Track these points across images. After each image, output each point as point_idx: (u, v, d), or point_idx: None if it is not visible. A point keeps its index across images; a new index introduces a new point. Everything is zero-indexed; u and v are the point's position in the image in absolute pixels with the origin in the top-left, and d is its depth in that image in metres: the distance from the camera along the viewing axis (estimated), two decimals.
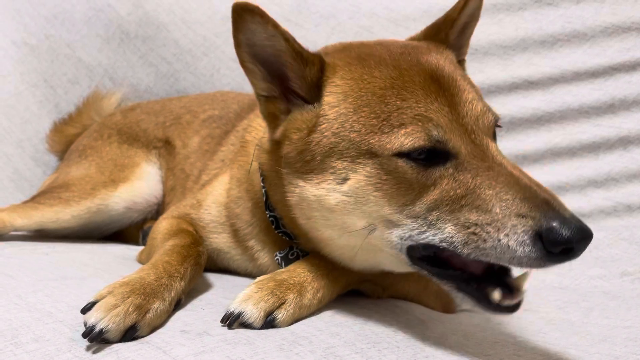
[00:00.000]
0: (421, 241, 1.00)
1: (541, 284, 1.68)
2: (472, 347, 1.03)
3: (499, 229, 0.92)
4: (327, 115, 1.06)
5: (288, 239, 1.24)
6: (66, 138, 2.22)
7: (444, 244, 0.97)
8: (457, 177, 0.98)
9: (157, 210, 1.89)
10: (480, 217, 0.94)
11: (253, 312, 0.99)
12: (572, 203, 2.07)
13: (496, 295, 0.98)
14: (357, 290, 1.27)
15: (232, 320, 0.98)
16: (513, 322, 1.28)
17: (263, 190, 1.23)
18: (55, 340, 0.90)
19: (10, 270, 1.22)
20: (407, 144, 0.98)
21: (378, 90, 1.04)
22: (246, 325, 0.99)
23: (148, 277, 1.02)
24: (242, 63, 1.11)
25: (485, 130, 1.04)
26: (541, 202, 0.92)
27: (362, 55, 1.11)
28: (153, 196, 1.88)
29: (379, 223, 1.04)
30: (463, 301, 1.03)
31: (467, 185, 0.97)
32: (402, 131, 0.99)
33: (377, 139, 1.01)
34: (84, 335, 0.89)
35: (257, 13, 1.04)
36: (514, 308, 0.99)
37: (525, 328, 1.23)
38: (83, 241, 1.75)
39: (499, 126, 1.13)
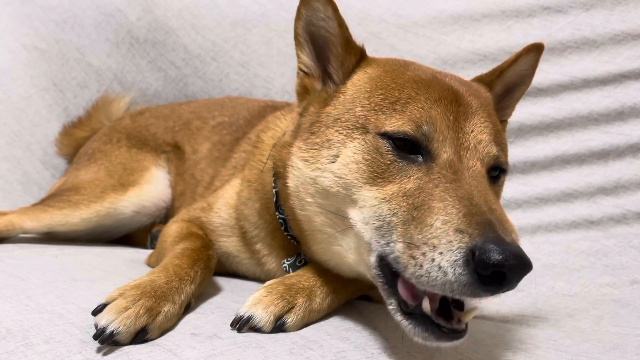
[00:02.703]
0: (385, 248, 0.96)
1: (550, 292, 1.67)
2: (482, 354, 1.03)
3: (434, 247, 0.86)
4: (346, 92, 1.11)
5: (296, 242, 1.24)
6: (75, 141, 2.23)
7: (393, 263, 0.93)
8: (422, 183, 0.95)
9: (166, 215, 1.90)
10: (420, 236, 0.89)
11: (263, 316, 0.99)
12: (582, 210, 2.06)
13: (425, 303, 0.91)
14: (366, 296, 1.27)
15: (242, 324, 0.98)
16: (523, 329, 1.27)
17: (274, 190, 1.23)
18: (66, 341, 0.90)
19: (20, 272, 1.23)
20: (394, 126, 0.99)
21: (401, 80, 1.07)
22: (256, 329, 0.99)
23: (159, 280, 1.02)
24: (296, 36, 1.18)
25: (481, 157, 1.02)
26: (484, 221, 0.86)
27: (406, 62, 1.17)
28: (162, 200, 1.89)
29: (358, 217, 1.00)
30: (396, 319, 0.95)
31: (425, 194, 0.93)
32: (398, 116, 1.00)
33: (375, 117, 1.03)
34: (95, 337, 0.89)
35: None
36: (446, 334, 0.91)
37: (536, 335, 1.23)
38: (91, 244, 1.76)
39: (504, 170, 1.10)
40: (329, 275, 1.15)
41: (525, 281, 1.71)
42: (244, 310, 1.00)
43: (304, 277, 1.12)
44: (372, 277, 1.01)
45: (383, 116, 1.02)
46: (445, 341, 0.91)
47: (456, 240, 0.85)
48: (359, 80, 1.12)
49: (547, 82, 2.17)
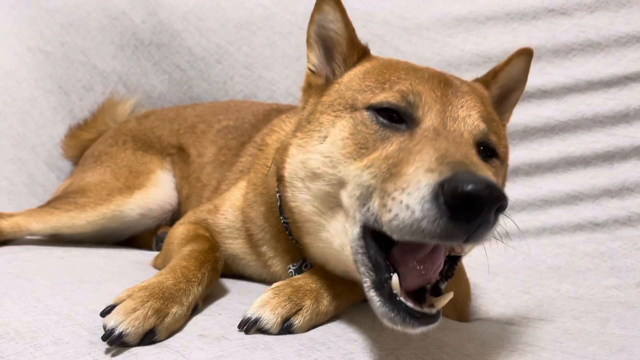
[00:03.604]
0: (369, 217, 0.93)
1: (556, 294, 1.67)
2: (489, 356, 1.03)
3: (403, 190, 0.84)
4: (342, 81, 1.17)
5: (300, 246, 1.24)
6: (81, 143, 2.24)
7: (375, 224, 0.90)
8: (403, 145, 0.94)
9: (172, 217, 1.90)
10: (394, 185, 0.86)
11: (270, 318, 0.99)
12: (587, 212, 2.06)
13: (394, 280, 0.87)
14: None
15: (250, 326, 0.98)
16: (529, 332, 1.27)
17: (277, 195, 1.24)
18: (75, 343, 0.90)
19: (27, 274, 1.23)
20: (380, 98, 1.03)
21: (392, 67, 1.12)
22: (263, 331, 0.99)
23: (167, 281, 1.02)
24: (308, 39, 1.26)
25: (469, 129, 1.01)
26: (456, 160, 0.83)
27: (402, 59, 1.23)
28: (167, 203, 1.89)
29: (344, 194, 1.00)
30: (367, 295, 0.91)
31: (404, 152, 0.91)
32: (387, 92, 1.04)
33: (363, 96, 1.07)
34: (103, 338, 0.89)
35: None
36: (414, 317, 0.86)
37: (542, 337, 1.23)
38: (98, 246, 1.76)
39: (496, 153, 1.08)
40: (336, 278, 1.15)
41: (531, 283, 1.72)
42: (252, 312, 1.00)
43: (311, 279, 1.12)
44: (352, 253, 0.97)
45: (371, 94, 1.06)
46: (415, 326, 0.87)
47: (425, 179, 0.82)
48: (355, 70, 1.18)
49: (551, 84, 2.17)
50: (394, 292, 0.88)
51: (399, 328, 0.88)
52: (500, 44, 2.22)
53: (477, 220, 0.80)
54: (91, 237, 1.78)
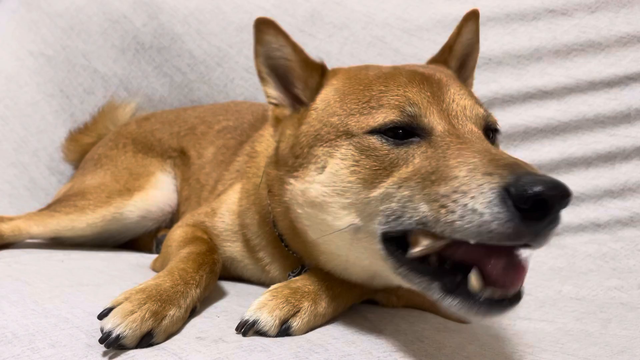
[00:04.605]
0: (399, 227, 0.94)
1: (558, 295, 1.66)
2: (489, 357, 1.02)
3: (465, 193, 0.84)
4: (317, 107, 1.13)
5: (296, 255, 1.24)
6: (81, 147, 2.24)
7: (420, 226, 0.91)
8: (430, 154, 0.94)
9: (172, 219, 1.90)
10: (447, 187, 0.87)
11: (268, 320, 0.99)
12: (588, 213, 2.05)
13: (473, 280, 0.86)
14: (372, 300, 1.27)
15: (247, 328, 0.98)
16: (530, 333, 1.26)
17: (269, 207, 1.24)
18: (72, 345, 0.90)
19: (26, 277, 1.23)
20: (380, 119, 1.00)
21: (366, 80, 1.09)
22: (261, 333, 0.98)
23: (164, 283, 1.02)
24: (259, 73, 1.22)
25: (472, 120, 1.02)
26: (511, 162, 0.85)
27: (365, 65, 1.20)
28: (167, 205, 1.89)
29: (359, 218, 1.00)
30: (444, 302, 0.90)
31: (438, 160, 0.91)
32: (380, 111, 1.01)
33: (355, 120, 1.03)
34: (101, 341, 0.89)
35: (271, 25, 1.18)
36: (502, 305, 0.86)
37: (543, 339, 1.22)
38: (97, 249, 1.76)
39: (496, 129, 1.11)
40: (334, 279, 1.14)
41: (532, 285, 1.71)
42: (249, 314, 1.00)
43: (309, 281, 1.12)
44: (395, 274, 0.98)
45: (362, 117, 1.02)
46: (501, 311, 0.87)
47: (487, 182, 0.83)
48: (327, 93, 1.13)
49: (552, 85, 2.16)
50: (480, 295, 0.86)
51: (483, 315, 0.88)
52: (501, 45, 2.21)
53: (547, 219, 0.81)
54: (91, 239, 1.78)
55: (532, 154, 2.13)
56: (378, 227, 0.98)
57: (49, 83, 2.42)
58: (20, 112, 2.35)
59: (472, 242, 0.85)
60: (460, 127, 0.99)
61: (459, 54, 1.33)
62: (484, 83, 2.16)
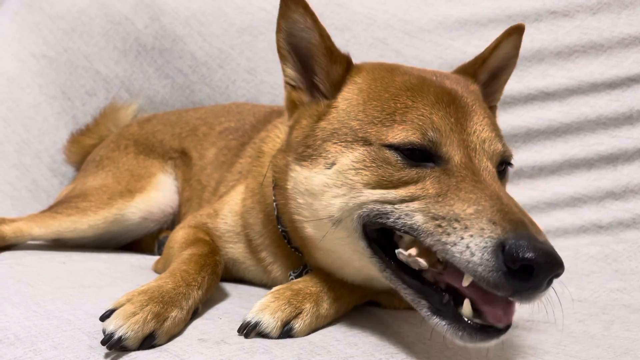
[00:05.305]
0: (381, 223, 0.98)
1: (560, 297, 1.66)
2: (492, 359, 1.02)
3: (466, 227, 0.87)
4: (338, 106, 1.11)
5: (299, 253, 1.24)
6: (83, 149, 2.24)
7: (406, 229, 0.94)
8: (442, 179, 0.96)
9: (173, 221, 1.90)
10: (451, 213, 0.90)
11: (270, 321, 0.99)
12: (590, 215, 2.05)
13: (465, 307, 0.90)
14: (374, 302, 1.26)
15: (249, 330, 0.98)
16: (532, 335, 1.26)
17: (274, 204, 1.24)
18: (74, 347, 0.90)
19: (28, 279, 1.23)
20: (400, 137, 0.99)
21: (393, 89, 1.06)
22: (263, 335, 0.99)
23: (166, 285, 1.02)
24: (279, 49, 1.18)
25: (489, 155, 1.02)
26: (518, 219, 0.87)
27: (391, 66, 1.17)
28: (169, 206, 1.89)
29: (342, 213, 1.02)
30: (430, 321, 0.93)
31: (449, 186, 0.93)
32: (401, 127, 1.00)
33: (375, 129, 1.02)
34: (103, 342, 0.89)
35: (300, 3, 1.11)
36: (489, 333, 0.89)
37: (545, 340, 1.22)
38: (99, 250, 1.76)
39: (510, 164, 1.11)
40: (335, 281, 1.14)
41: None
42: (251, 316, 1.00)
43: (311, 283, 1.12)
44: (387, 280, 1.02)
45: (384, 128, 1.01)
46: (486, 340, 0.89)
47: (489, 230, 0.86)
48: (350, 92, 1.12)
49: (554, 86, 2.16)
50: (470, 321, 0.89)
51: (469, 345, 0.90)
52: None
53: (530, 282, 0.83)
54: (93, 241, 1.78)
55: (534, 156, 2.13)
56: (358, 220, 1.01)
57: (50, 85, 2.42)
58: (22, 114, 2.35)
59: (456, 267, 0.88)
60: (476, 161, 0.99)
61: (492, 68, 1.30)
62: None
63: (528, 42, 2.20)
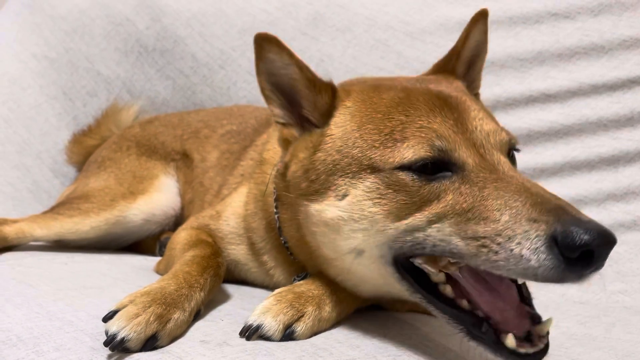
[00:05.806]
0: (416, 251, 0.97)
1: (561, 299, 1.66)
2: None
3: (509, 238, 0.85)
4: (332, 134, 1.08)
5: (299, 262, 1.25)
6: (85, 150, 2.24)
7: (446, 254, 0.93)
8: (463, 190, 0.94)
9: (175, 222, 1.90)
10: (488, 229, 0.88)
11: (272, 324, 0.99)
12: (591, 216, 2.03)
13: (509, 340, 0.90)
14: (376, 305, 1.26)
15: (251, 333, 0.98)
16: None
17: (276, 216, 1.24)
18: (77, 349, 0.90)
19: (30, 280, 1.23)
20: (409, 155, 0.97)
21: (383, 108, 1.05)
22: (265, 338, 0.98)
23: (169, 287, 1.02)
24: (262, 91, 1.16)
25: (498, 147, 1.02)
26: (555, 207, 0.86)
27: (374, 83, 1.15)
28: (171, 208, 1.89)
29: (366, 245, 1.02)
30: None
31: (474, 198, 0.92)
32: (405, 144, 0.98)
33: (379, 153, 1.00)
34: (105, 343, 0.89)
35: (273, 42, 1.10)
36: (534, 356, 0.91)
37: None
38: (101, 252, 1.76)
39: (517, 149, 1.11)
40: (338, 284, 1.14)
41: (536, 288, 1.70)
42: (253, 319, 1.00)
43: (314, 286, 1.12)
44: (404, 290, 1.03)
45: (387, 150, 0.99)
46: None
47: (533, 230, 0.84)
48: (342, 117, 1.09)
49: (555, 88, 2.16)
50: (514, 350, 0.90)
51: None
52: (504, 48, 2.21)
53: (592, 265, 0.83)
54: (95, 242, 1.78)
55: (535, 158, 2.13)
56: (389, 251, 1.00)
57: (52, 86, 2.43)
58: (24, 115, 2.35)
59: (512, 277, 0.89)
60: (489, 157, 0.98)
61: (467, 59, 1.30)
62: (487, 86, 2.15)
63: (529, 44, 2.20)
